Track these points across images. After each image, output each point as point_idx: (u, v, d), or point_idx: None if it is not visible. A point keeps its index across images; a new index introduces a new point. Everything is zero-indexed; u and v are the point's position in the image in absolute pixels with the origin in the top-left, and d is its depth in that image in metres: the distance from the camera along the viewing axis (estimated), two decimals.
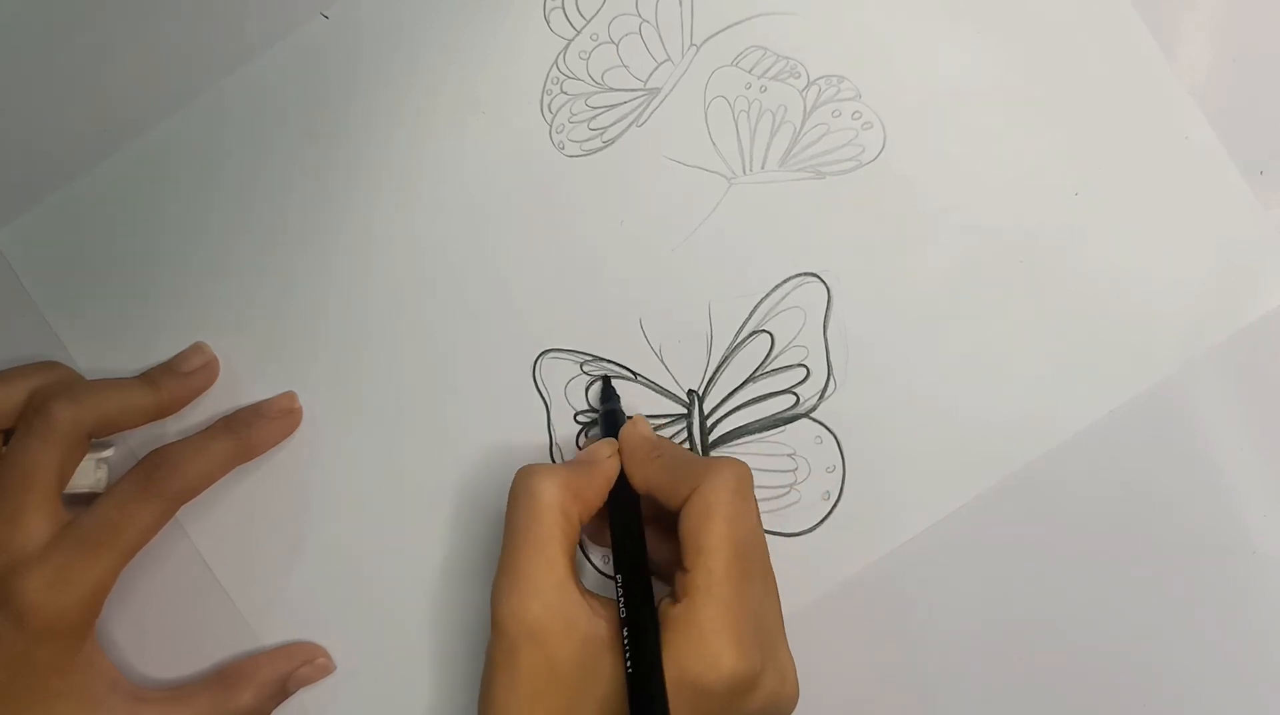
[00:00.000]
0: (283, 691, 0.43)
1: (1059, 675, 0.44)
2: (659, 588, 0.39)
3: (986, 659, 0.44)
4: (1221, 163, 0.43)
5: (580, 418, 0.44)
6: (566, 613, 0.38)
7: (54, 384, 0.42)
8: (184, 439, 0.43)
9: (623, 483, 0.41)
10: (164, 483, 0.41)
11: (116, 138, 0.45)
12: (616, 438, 0.42)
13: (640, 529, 0.40)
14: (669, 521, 0.40)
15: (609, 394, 0.44)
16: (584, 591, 0.39)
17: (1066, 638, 0.44)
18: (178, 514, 0.43)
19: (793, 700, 0.39)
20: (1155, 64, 0.44)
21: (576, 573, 0.39)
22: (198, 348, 0.44)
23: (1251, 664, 0.44)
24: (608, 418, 0.43)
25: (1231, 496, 0.44)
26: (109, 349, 0.45)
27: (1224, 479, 0.44)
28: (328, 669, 0.44)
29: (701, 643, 0.37)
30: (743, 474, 0.39)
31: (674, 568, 0.39)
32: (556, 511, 0.39)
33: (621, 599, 0.38)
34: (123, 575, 0.41)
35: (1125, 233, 0.44)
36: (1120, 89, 0.44)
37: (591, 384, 0.44)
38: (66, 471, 0.41)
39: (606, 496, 0.41)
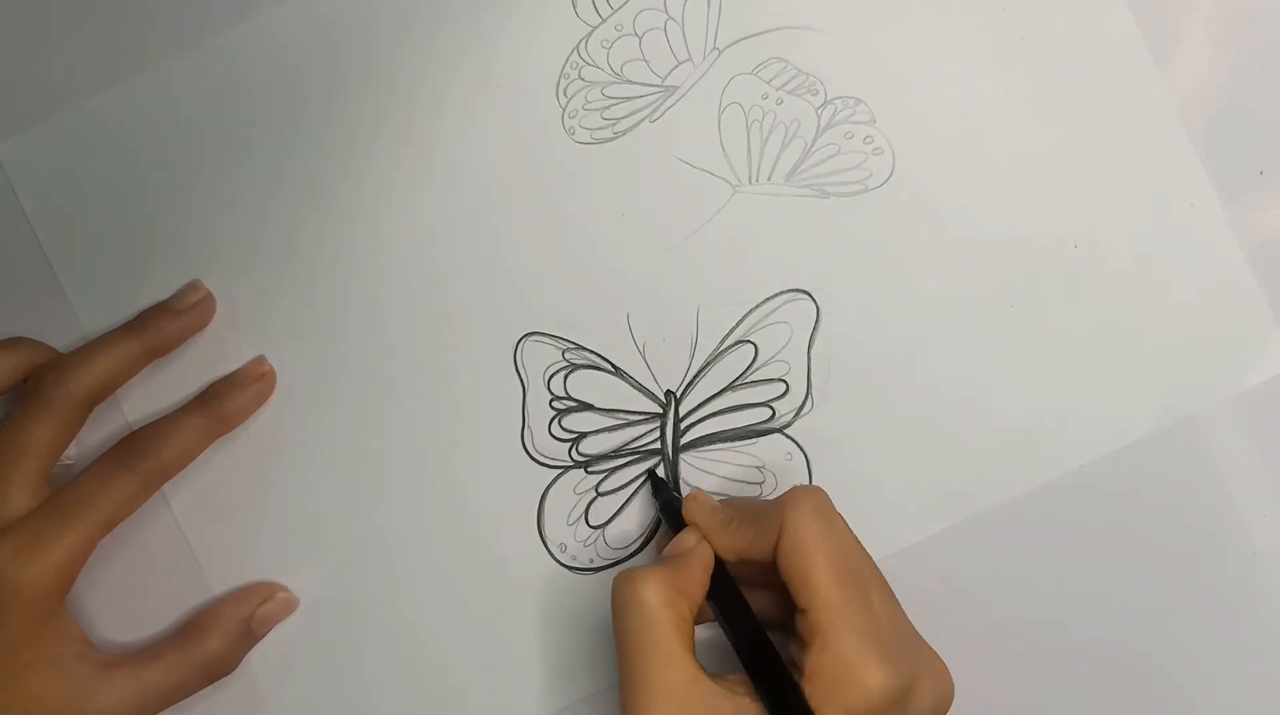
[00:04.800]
0: (250, 634, 0.43)
1: (1058, 675, 0.44)
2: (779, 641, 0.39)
3: (966, 666, 0.44)
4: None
5: (555, 405, 0.45)
6: (707, 705, 0.37)
7: (48, 361, 0.42)
8: (160, 418, 0.43)
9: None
10: (140, 458, 0.41)
11: (134, 63, 0.45)
12: (685, 525, 0.41)
13: (743, 598, 0.40)
14: (766, 576, 0.39)
15: (660, 486, 0.44)
16: (715, 677, 0.38)
17: (1064, 638, 0.44)
18: (164, 490, 0.44)
19: (950, 694, 0.39)
20: (1168, 122, 0.44)
21: (699, 663, 0.38)
22: (192, 286, 0.44)
23: (1251, 664, 0.44)
24: (669, 510, 0.43)
25: (1231, 496, 0.44)
26: (98, 277, 0.45)
27: (1224, 479, 0.44)
28: (290, 603, 0.44)
29: (848, 674, 0.36)
30: (818, 497, 0.39)
31: (786, 617, 0.39)
32: (667, 610, 0.38)
33: (752, 669, 0.38)
34: (101, 551, 0.41)
35: (1116, 288, 0.44)
36: (1133, 148, 0.44)
37: (571, 372, 0.45)
38: (59, 446, 0.41)
39: (707, 585, 0.40)
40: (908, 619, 0.40)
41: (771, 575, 0.39)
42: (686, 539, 0.40)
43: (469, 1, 0.44)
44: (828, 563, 0.38)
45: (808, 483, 0.44)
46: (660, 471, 0.44)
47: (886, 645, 0.37)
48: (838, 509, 0.39)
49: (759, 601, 0.41)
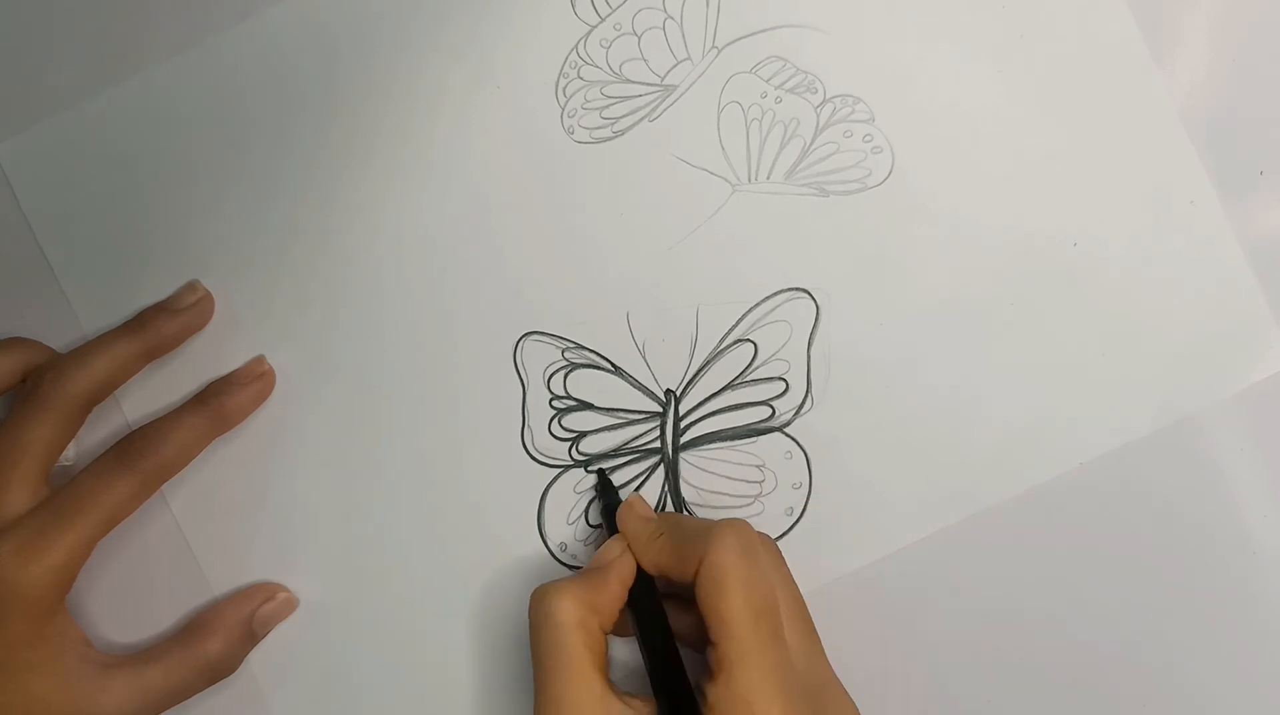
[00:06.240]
0: (250, 635, 0.43)
1: (1057, 675, 0.44)
2: (692, 660, 0.39)
3: (965, 665, 0.44)
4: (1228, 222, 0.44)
5: (555, 404, 0.45)
6: None
7: (46, 362, 0.42)
8: (160, 417, 0.43)
9: (637, 574, 0.41)
10: (139, 457, 0.41)
11: (133, 63, 0.45)
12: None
13: (662, 616, 0.40)
14: (689, 592, 0.39)
15: (607, 489, 0.44)
16: (623, 696, 0.38)
17: (1063, 638, 0.44)
18: (164, 490, 0.44)
19: None
20: (1168, 122, 0.44)
21: (610, 682, 0.38)
22: (190, 286, 0.44)
23: (1252, 665, 0.44)
24: (608, 514, 0.43)
25: (1231, 496, 0.44)
26: (97, 278, 0.45)
27: (1224, 479, 0.44)
28: (290, 603, 0.44)
29: (749, 713, 0.37)
30: (743, 532, 0.39)
31: (703, 638, 0.39)
32: (578, 630, 0.38)
33: (658, 690, 0.39)
34: (101, 551, 0.41)
35: (1116, 286, 0.44)
36: (1132, 146, 0.44)
37: (571, 372, 0.45)
38: (58, 446, 0.41)
39: (625, 598, 0.40)
40: (824, 659, 0.40)
41: (693, 597, 0.39)
42: (611, 548, 0.41)
43: (468, 1, 0.44)
44: (742, 600, 0.38)
45: (734, 518, 0.43)
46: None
47: (792, 687, 0.37)
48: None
49: (687, 619, 0.41)
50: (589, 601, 0.39)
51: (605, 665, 0.39)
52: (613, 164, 0.44)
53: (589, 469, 0.44)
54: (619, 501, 0.43)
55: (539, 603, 0.39)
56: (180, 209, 0.45)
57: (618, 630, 0.41)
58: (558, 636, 0.38)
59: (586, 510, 0.45)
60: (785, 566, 0.41)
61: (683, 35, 0.44)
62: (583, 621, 0.38)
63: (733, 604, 0.38)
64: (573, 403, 0.45)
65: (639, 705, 0.38)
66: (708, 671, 0.38)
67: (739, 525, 0.39)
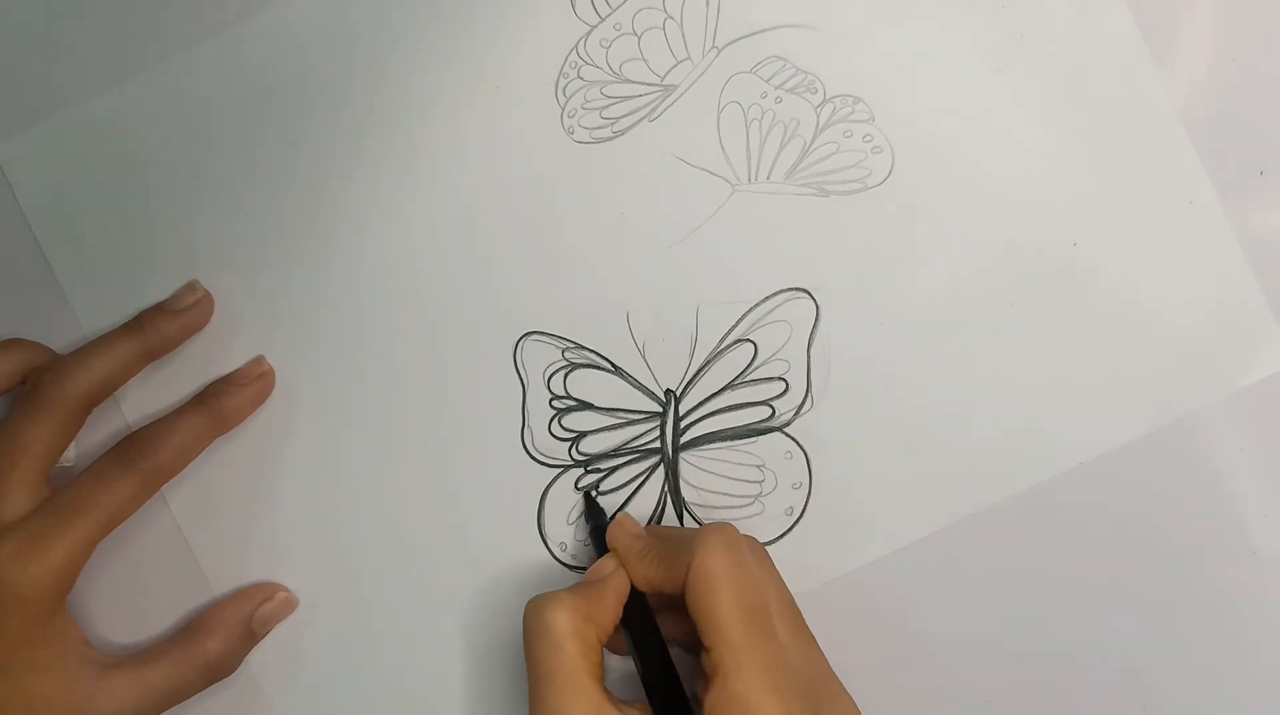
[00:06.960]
0: (250, 634, 0.43)
1: (1056, 678, 0.44)
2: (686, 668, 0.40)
3: (965, 664, 0.44)
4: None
5: (555, 404, 0.45)
6: None
7: (46, 362, 0.42)
8: (159, 418, 0.43)
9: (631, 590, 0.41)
10: (139, 458, 0.41)
11: (133, 63, 0.45)
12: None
13: (656, 630, 0.40)
14: (682, 602, 0.39)
15: (594, 510, 0.44)
16: (619, 705, 0.38)
17: (1062, 637, 0.44)
18: (164, 491, 0.44)
19: None
20: (1168, 122, 0.44)
21: (606, 690, 0.38)
22: (190, 287, 0.44)
23: (1251, 665, 0.44)
24: (597, 534, 0.43)
25: (1231, 496, 0.44)
26: (97, 278, 0.45)
27: (1224, 478, 0.44)
28: (290, 603, 0.44)
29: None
30: (729, 535, 0.39)
31: (698, 642, 0.39)
32: (574, 639, 0.38)
33: (654, 703, 0.39)
34: (101, 551, 0.41)
35: (1116, 285, 0.44)
36: (1132, 146, 0.44)
37: (571, 372, 0.45)
38: (57, 447, 0.41)
39: (621, 613, 0.40)
40: (820, 655, 0.40)
41: (684, 605, 0.39)
42: (604, 565, 0.41)
43: (469, 2, 0.44)
44: (732, 601, 0.38)
45: (721, 522, 0.43)
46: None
47: (787, 686, 0.37)
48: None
49: (682, 627, 0.41)
50: (585, 612, 0.39)
51: (601, 675, 0.39)
52: (613, 164, 0.45)
53: (577, 486, 0.44)
54: (607, 521, 0.43)
55: (534, 613, 0.39)
56: (180, 209, 0.45)
57: (613, 647, 0.41)
58: (554, 645, 0.38)
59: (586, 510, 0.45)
60: (773, 566, 0.41)
61: (683, 35, 0.44)
62: (578, 631, 0.38)
63: (723, 605, 0.38)
64: (573, 403, 0.45)
65: (636, 713, 0.38)
66: (702, 677, 0.38)
67: (724, 528, 0.40)
